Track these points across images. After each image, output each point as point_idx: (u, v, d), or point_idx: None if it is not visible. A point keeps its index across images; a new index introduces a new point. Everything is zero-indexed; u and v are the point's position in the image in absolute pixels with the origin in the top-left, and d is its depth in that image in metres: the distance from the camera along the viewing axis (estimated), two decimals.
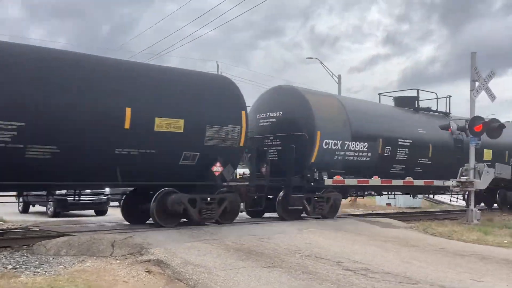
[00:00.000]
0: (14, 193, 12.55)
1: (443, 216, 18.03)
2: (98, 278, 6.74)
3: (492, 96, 14.16)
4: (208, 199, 11.51)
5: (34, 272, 7.17)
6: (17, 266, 7.54)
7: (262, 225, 12.18)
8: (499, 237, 11.43)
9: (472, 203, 13.67)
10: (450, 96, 17.90)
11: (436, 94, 18.15)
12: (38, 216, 16.80)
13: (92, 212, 18.36)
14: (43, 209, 18.34)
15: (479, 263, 8.05)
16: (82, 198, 16.99)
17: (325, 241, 9.78)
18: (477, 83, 13.98)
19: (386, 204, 25.94)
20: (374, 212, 21.02)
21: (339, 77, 36.09)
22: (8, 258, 8.13)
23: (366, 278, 6.60)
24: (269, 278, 6.55)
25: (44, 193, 14.14)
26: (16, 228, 11.91)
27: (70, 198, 16.87)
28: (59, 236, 9.65)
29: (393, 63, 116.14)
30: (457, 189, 14.16)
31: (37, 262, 7.83)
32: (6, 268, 7.42)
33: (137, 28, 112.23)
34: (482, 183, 13.78)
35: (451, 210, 22.33)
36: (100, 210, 18.26)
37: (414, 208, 24.96)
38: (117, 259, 8.04)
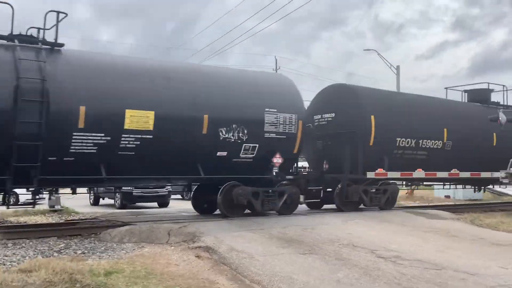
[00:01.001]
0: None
1: (501, 208, 17.83)
2: (154, 261, 7.64)
3: None
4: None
5: (100, 256, 8.21)
6: (85, 251, 8.63)
7: (309, 216, 12.79)
8: None
9: None
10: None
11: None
12: (106, 208, 18.27)
13: (155, 204, 19.69)
14: (112, 201, 19.89)
15: None
16: (146, 191, 18.44)
17: (366, 232, 10.25)
18: None
19: (445, 196, 25.70)
20: (430, 204, 20.99)
21: (398, 68, 35.83)
22: (78, 244, 9.29)
23: (395, 264, 7.08)
24: (303, 263, 7.18)
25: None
26: (86, 219, 13.19)
27: (135, 191, 18.37)
28: (123, 225, 10.76)
29: (462, 49, 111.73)
30: (506, 180, 14.10)
31: (103, 248, 8.91)
32: (76, 253, 8.52)
33: (200, 24, 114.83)
34: None
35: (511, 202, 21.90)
36: (163, 202, 19.53)
37: (474, 200, 24.43)
38: (172, 246, 8.97)
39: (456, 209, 16.16)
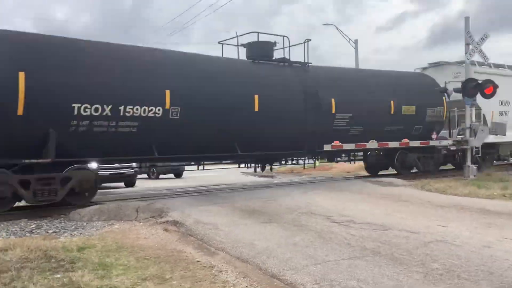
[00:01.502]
0: None
1: (454, 173, 18.86)
2: (124, 236, 8.09)
3: (485, 58, 14.89)
4: None
5: (71, 234, 8.61)
6: (57, 231, 9.00)
7: (271, 188, 13.44)
8: (491, 190, 12.31)
9: (469, 160, 14.60)
10: None
11: None
12: None
13: (122, 184, 19.98)
14: None
15: (454, 213, 9.11)
16: (112, 171, 18.63)
17: (324, 201, 10.95)
18: (470, 46, 14.72)
19: None
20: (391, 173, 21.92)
21: (356, 42, 36.59)
22: (49, 224, 9.63)
23: (347, 227, 7.76)
24: (263, 230, 7.79)
25: None
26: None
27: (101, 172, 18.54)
28: (91, 205, 11.12)
29: (421, 20, 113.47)
30: (453, 147, 15.08)
31: (73, 227, 9.29)
32: (47, 232, 8.88)
33: (158, 0, 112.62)
34: (477, 141, 14.67)
35: None
36: (129, 182, 19.84)
37: None
38: (140, 222, 9.43)
39: (408, 177, 17.05)
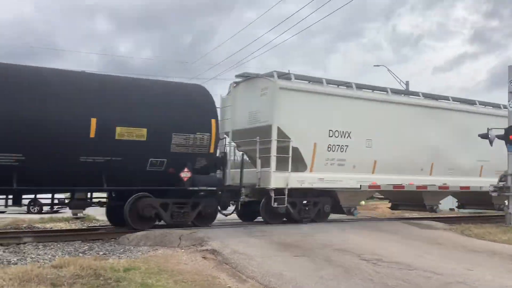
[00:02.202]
0: None
1: (498, 220, 18.57)
2: (166, 261, 8.79)
3: None
4: None
5: (119, 256, 9.40)
6: (106, 253, 9.84)
7: (311, 225, 13.85)
8: None
9: (510, 206, 14.51)
10: None
11: None
12: None
13: None
14: None
15: (484, 258, 9.25)
16: None
17: (359, 239, 11.28)
18: None
19: (450, 209, 26.43)
20: (429, 216, 21.74)
21: (407, 83, 36.94)
22: (100, 247, 10.51)
23: (374, 265, 8.11)
24: (293, 263, 8.27)
25: None
26: (106, 225, 14.41)
27: None
28: (139, 231, 11.94)
29: (481, 62, 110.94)
30: (495, 194, 15.00)
31: (121, 250, 10.10)
32: (98, 254, 9.74)
33: (217, 36, 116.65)
34: None
35: None
36: None
37: (479, 213, 24.67)
38: (182, 249, 10.11)
39: (451, 220, 17.01)
